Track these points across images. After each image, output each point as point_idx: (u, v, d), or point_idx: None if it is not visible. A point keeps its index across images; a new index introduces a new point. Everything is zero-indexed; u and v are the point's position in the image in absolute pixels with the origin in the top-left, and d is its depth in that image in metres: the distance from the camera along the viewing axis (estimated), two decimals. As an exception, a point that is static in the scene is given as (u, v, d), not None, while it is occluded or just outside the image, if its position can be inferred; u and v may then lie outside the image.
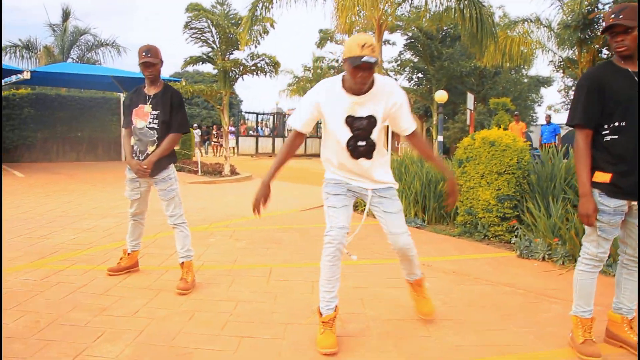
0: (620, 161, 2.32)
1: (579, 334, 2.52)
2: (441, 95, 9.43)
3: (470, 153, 5.30)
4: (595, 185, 2.39)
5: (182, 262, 3.47)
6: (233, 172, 12.04)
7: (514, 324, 2.95)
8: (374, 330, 2.79)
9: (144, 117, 3.41)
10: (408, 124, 2.59)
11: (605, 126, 2.35)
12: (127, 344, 2.54)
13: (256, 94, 70.37)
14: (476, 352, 2.54)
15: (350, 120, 2.47)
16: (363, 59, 2.25)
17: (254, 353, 2.48)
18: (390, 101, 2.48)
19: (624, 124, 2.30)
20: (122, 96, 15.74)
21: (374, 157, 2.56)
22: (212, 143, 23.53)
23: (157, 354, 2.45)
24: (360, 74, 2.32)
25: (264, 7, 8.18)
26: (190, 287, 3.38)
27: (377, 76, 2.48)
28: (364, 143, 2.50)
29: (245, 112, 23.52)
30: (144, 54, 3.31)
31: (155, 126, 3.40)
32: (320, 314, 2.59)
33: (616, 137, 2.32)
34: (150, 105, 3.40)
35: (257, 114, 23.94)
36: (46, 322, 2.80)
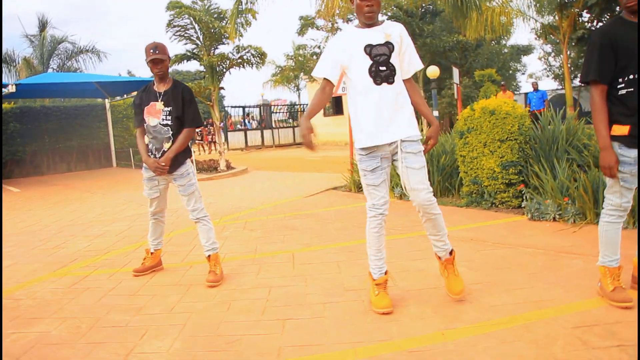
0: (637, 113, 2.40)
1: (608, 283, 2.62)
2: (433, 71, 9.46)
3: (471, 124, 5.37)
4: (614, 138, 2.47)
5: (209, 255, 3.51)
6: (229, 166, 12.03)
7: (541, 281, 3.05)
8: (410, 299, 2.87)
9: (157, 114, 3.41)
10: (411, 67, 2.76)
11: (620, 80, 2.42)
12: (174, 338, 2.58)
13: (239, 87, 69.85)
14: (512, 310, 2.64)
15: (369, 49, 2.62)
16: None
17: (300, 332, 2.55)
18: (400, 36, 2.68)
19: (638, 76, 2.37)
20: (107, 102, 15.57)
21: (395, 82, 2.64)
22: (196, 142, 23.20)
23: (207, 344, 2.50)
24: (367, 2, 2.56)
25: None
26: (220, 279, 3.42)
27: (386, 20, 2.76)
28: (384, 68, 2.62)
29: (231, 107, 23.33)
30: (151, 51, 3.31)
31: (169, 122, 3.41)
32: (373, 278, 2.79)
33: (631, 89, 2.40)
34: (162, 102, 3.41)
35: (243, 107, 23.79)
36: (87, 326, 2.83)
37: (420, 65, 2.83)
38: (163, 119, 3.41)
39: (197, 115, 3.49)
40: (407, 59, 2.73)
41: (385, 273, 2.82)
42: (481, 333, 2.40)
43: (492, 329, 2.44)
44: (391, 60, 2.62)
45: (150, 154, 3.48)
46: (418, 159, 2.65)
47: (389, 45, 2.62)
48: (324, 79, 2.71)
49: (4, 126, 13.84)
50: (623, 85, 2.41)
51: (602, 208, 2.66)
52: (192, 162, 3.60)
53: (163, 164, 3.37)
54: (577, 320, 2.46)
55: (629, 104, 2.41)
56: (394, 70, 2.64)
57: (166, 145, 3.42)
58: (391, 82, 2.63)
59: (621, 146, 2.46)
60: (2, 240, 4.64)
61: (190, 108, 3.45)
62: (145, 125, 3.48)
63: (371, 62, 2.61)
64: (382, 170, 2.69)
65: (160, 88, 3.45)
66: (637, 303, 2.53)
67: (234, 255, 4.16)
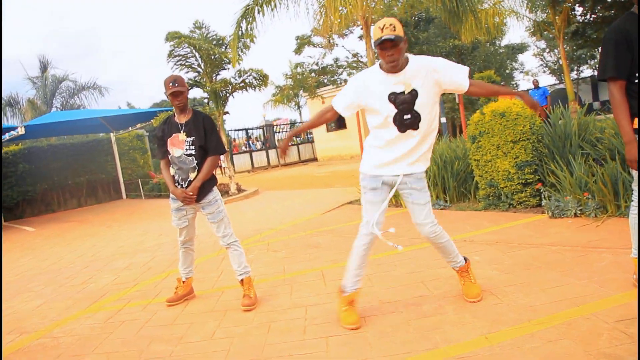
0: (655, 105, 2.45)
1: (644, 274, 2.64)
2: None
3: (482, 127, 5.43)
4: (637, 131, 2.51)
5: (242, 279, 3.55)
6: (239, 189, 12.10)
7: (574, 277, 3.07)
8: (447, 307, 2.90)
9: (180, 145, 3.49)
10: (461, 79, 2.68)
11: (637, 74, 2.47)
12: (221, 363, 2.62)
13: (239, 109, 70.67)
14: (551, 309, 2.66)
15: (393, 97, 2.65)
16: (383, 38, 2.52)
17: (346, 349, 2.58)
18: (429, 72, 2.65)
19: (638, 74, 2.42)
20: (112, 136, 15.76)
21: (420, 127, 2.69)
22: None
23: (254, 366, 2.53)
24: (387, 52, 2.56)
25: (247, 25, 8.28)
26: (255, 302, 3.46)
27: (412, 56, 2.70)
28: (409, 116, 2.67)
29: (234, 130, 23.51)
30: (171, 84, 3.39)
31: (193, 152, 3.48)
32: (343, 293, 2.88)
33: (649, 83, 2.45)
34: (185, 133, 3.48)
35: (246, 129, 23.97)
36: (132, 359, 2.87)
37: (467, 80, 2.70)
38: (187, 149, 3.48)
39: (219, 143, 3.57)
40: (450, 77, 2.68)
41: (357, 290, 2.90)
42: (525, 334, 2.43)
43: (534, 329, 2.46)
44: (415, 108, 2.65)
45: (177, 184, 3.54)
46: (423, 194, 2.82)
47: (412, 92, 2.64)
48: (334, 108, 2.84)
49: (14, 168, 14.03)
50: (641, 79, 2.46)
51: (631, 201, 2.70)
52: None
53: (191, 193, 3.43)
54: (617, 314, 2.48)
55: (648, 97, 2.46)
56: (419, 116, 2.66)
57: (192, 175, 3.49)
58: (416, 129, 2.69)
59: (645, 138, 2.50)
60: (2, 270, 4.69)
61: (212, 136, 3.52)
62: (169, 156, 3.55)
63: (396, 110, 2.65)
64: (382, 191, 2.79)
65: (182, 119, 3.53)
66: (637, 303, 2.55)
67: (263, 278, 4.20)
